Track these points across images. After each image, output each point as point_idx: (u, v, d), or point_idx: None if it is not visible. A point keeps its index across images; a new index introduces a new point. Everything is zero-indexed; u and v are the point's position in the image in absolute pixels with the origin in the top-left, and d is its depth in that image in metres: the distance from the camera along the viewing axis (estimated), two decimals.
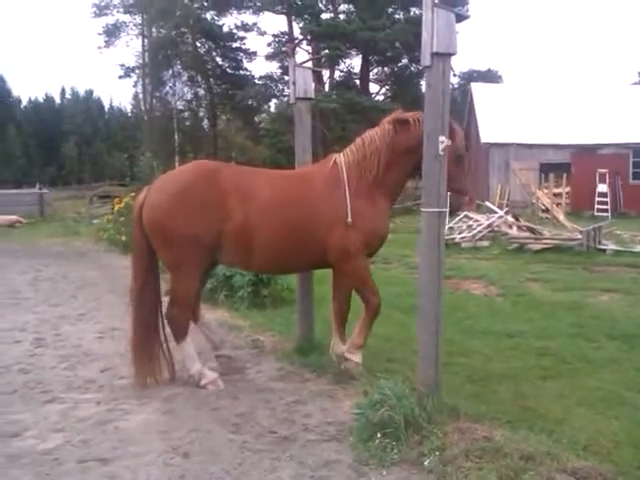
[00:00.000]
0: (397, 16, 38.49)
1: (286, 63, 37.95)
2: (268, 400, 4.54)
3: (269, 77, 41.78)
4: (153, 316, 4.99)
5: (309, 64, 5.80)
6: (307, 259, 4.96)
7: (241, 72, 43.79)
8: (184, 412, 4.35)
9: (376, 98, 40.55)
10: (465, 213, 16.55)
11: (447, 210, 4.36)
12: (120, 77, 44.95)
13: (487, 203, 19.43)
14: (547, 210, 20.32)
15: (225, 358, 5.31)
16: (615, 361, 5.38)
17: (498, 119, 27.17)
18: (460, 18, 4.06)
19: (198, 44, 42.92)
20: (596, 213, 22.68)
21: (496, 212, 16.16)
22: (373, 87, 42.64)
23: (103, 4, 42.35)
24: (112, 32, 42.94)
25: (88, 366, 5.48)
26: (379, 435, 3.62)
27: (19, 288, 9.78)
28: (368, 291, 4.91)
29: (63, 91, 77.21)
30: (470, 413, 3.93)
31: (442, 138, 3.88)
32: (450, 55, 3.88)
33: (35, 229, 19.06)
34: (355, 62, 41.60)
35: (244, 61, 43.88)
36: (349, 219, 4.67)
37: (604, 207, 23.12)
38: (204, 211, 4.61)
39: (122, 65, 43.85)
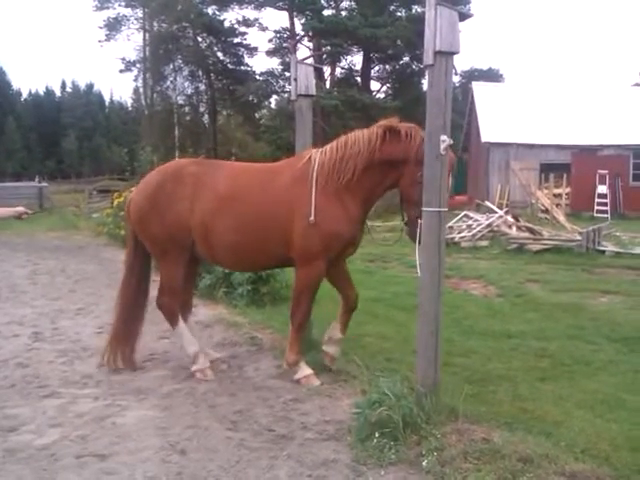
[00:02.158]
0: (399, 13, 38.49)
1: (287, 59, 37.94)
2: (266, 398, 4.53)
3: (270, 73, 41.70)
4: (138, 306, 5.25)
5: (310, 60, 5.77)
6: (268, 255, 4.91)
7: (242, 68, 43.71)
8: (182, 409, 4.34)
9: (377, 96, 40.51)
10: (465, 212, 16.56)
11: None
12: (121, 71, 44.98)
13: (487, 203, 19.43)
14: (547, 211, 20.31)
15: (217, 363, 5.39)
16: (614, 363, 5.37)
17: (499, 118, 27.11)
18: (463, 17, 4.04)
19: (199, 39, 42.81)
20: (596, 214, 22.64)
21: (496, 212, 16.16)
22: (374, 84, 42.66)
23: None
24: (113, 26, 42.87)
25: (86, 361, 5.47)
26: (377, 435, 3.61)
27: (17, 281, 9.76)
28: (303, 301, 4.82)
29: (64, 84, 77.25)
30: (468, 414, 3.91)
31: (444, 137, 3.86)
32: (453, 54, 3.85)
33: (34, 222, 19.01)
34: (356, 59, 41.56)
35: (245, 57, 43.82)
36: (312, 217, 4.55)
37: (604, 208, 23.07)
38: (173, 208, 4.85)
39: (123, 59, 43.87)
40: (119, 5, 42.72)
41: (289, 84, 7.07)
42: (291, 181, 4.74)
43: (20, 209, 4.82)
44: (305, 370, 4.88)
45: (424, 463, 3.39)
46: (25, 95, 74.40)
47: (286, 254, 4.77)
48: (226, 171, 4.99)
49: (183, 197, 4.83)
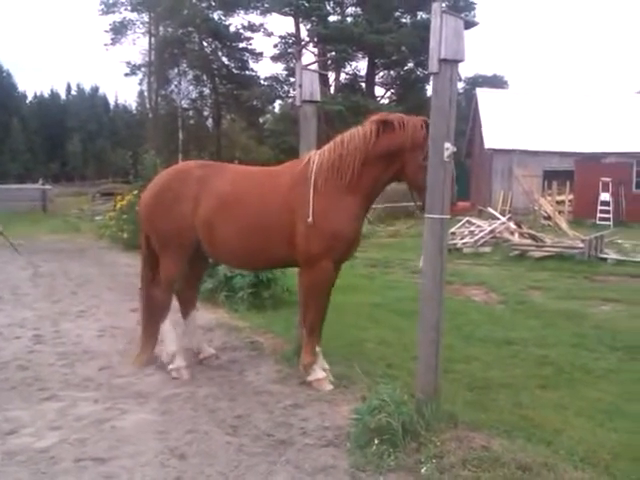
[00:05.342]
0: (404, 20, 38.59)
1: (292, 64, 38.03)
2: (266, 403, 4.52)
3: (274, 78, 41.85)
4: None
5: (315, 66, 5.81)
6: (269, 256, 4.98)
7: (247, 72, 43.87)
8: (181, 413, 4.33)
9: (381, 101, 40.58)
10: (467, 218, 16.55)
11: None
12: (126, 75, 45.12)
13: (489, 209, 19.41)
14: (549, 217, 20.30)
15: (211, 359, 5.51)
16: (615, 372, 5.35)
17: (502, 125, 27.11)
18: (468, 25, 4.04)
19: (204, 43, 43.00)
20: (598, 222, 22.61)
21: (498, 218, 16.15)
22: (379, 90, 42.73)
23: (111, 2, 42.45)
24: (119, 30, 43.04)
25: (87, 364, 5.47)
26: (376, 441, 3.60)
27: (19, 284, 9.77)
28: (312, 305, 4.82)
29: (69, 87, 76.93)
30: (468, 421, 3.91)
31: (447, 145, 3.86)
32: (458, 62, 3.86)
33: (37, 225, 19.11)
34: (361, 65, 41.69)
35: (250, 61, 44.00)
36: (310, 219, 4.58)
37: (606, 216, 23.05)
38: (177, 206, 5.03)
39: (128, 63, 44.01)
40: (125, 9, 42.93)
41: (293, 89, 7.11)
42: (291, 183, 4.81)
43: None
44: (318, 373, 4.87)
45: (423, 470, 3.37)
46: (30, 97, 74.16)
47: (289, 255, 4.82)
48: (230, 174, 5.11)
49: (188, 197, 4.99)
